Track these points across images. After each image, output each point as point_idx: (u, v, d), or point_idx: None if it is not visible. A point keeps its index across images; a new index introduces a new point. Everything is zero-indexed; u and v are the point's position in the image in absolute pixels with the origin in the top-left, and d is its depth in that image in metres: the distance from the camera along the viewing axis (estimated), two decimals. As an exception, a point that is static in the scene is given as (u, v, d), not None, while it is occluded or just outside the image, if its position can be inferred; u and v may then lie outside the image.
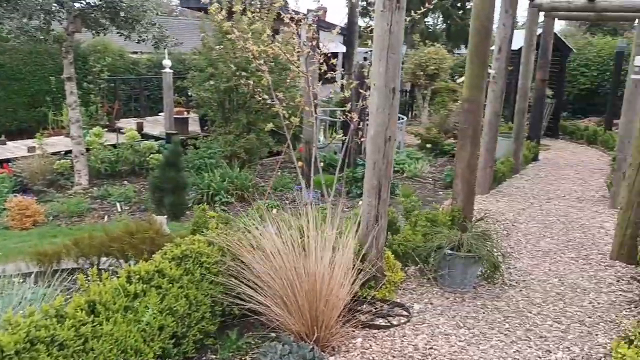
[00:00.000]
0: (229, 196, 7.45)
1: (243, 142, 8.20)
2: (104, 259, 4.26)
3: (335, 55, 15.53)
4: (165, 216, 6.15)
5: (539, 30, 10.47)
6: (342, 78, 12.22)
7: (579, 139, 13.20)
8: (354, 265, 3.74)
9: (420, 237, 4.54)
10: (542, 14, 9.38)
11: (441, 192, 8.04)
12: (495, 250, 4.35)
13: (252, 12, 6.27)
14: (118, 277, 2.97)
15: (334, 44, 13.90)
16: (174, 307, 3.01)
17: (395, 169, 9.61)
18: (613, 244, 5.04)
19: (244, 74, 7.27)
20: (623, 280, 4.52)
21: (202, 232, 3.89)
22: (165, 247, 3.40)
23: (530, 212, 6.68)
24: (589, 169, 9.86)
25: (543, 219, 6.38)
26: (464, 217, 5.57)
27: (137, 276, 3.00)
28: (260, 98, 4.72)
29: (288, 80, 8.17)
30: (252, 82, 4.87)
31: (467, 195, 5.58)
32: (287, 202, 7.62)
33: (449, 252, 4.20)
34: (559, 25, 21.12)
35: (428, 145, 11.39)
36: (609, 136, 12.09)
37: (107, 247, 4.12)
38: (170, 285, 3.08)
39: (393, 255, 4.30)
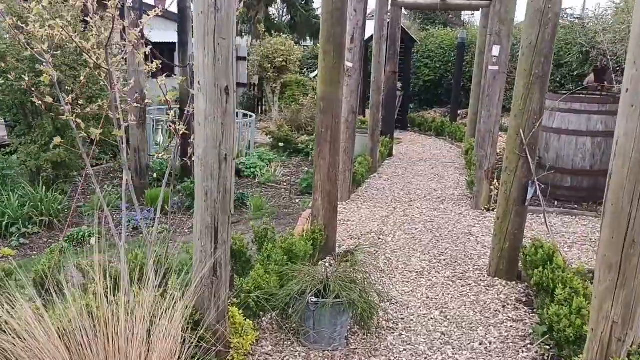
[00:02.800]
0: (31, 225, 5.78)
1: (50, 155, 6.50)
2: None
3: (172, 45, 13.86)
4: None
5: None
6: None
7: (427, 131, 13.24)
8: (184, 338, 2.62)
9: (276, 278, 3.51)
10: (389, 1, 8.89)
11: (298, 200, 7.13)
12: (368, 288, 3.47)
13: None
14: None
15: (164, 33, 12.35)
16: None
17: (246, 173, 8.54)
18: (490, 257, 4.48)
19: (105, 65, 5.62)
20: (509, 305, 3.93)
21: None
22: None
23: (395, 220, 6.02)
24: (442, 163, 9.67)
25: (410, 228, 5.75)
26: (326, 238, 4.67)
27: None
28: (39, 101, 3.28)
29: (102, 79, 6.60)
30: (27, 79, 3.45)
31: (328, 212, 4.69)
32: (112, 225, 6.13)
33: (313, 300, 3.22)
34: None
35: (281, 144, 10.47)
36: (456, 127, 12.21)
37: None
38: None
39: (241, 312, 3.21)
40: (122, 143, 3.09)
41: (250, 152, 9.50)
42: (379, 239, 5.38)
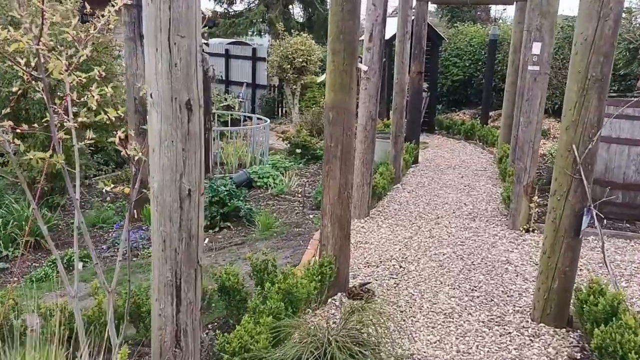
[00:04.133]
0: (12, 248, 5.24)
1: (41, 164, 5.95)
2: None
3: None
4: None
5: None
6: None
7: (455, 134, 12.41)
8: None
9: (267, 336, 2.82)
10: (415, -4, 8.14)
11: (312, 215, 6.44)
12: (382, 350, 2.76)
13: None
14: None
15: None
16: None
17: (259, 183, 7.90)
18: (534, 298, 3.71)
19: (35, 73, 5.09)
20: (560, 363, 3.17)
21: None
22: None
23: (419, 242, 5.28)
24: (472, 171, 8.87)
25: (436, 253, 5.00)
26: (337, 271, 3.98)
27: None
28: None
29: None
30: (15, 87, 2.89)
31: (339, 240, 3.99)
32: (107, 246, 5.56)
33: (311, 371, 2.52)
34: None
35: (298, 150, 9.79)
36: (487, 131, 11.36)
37: None
38: None
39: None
40: (65, 171, 2.44)
41: (264, 160, 8.86)
42: (401, 267, 4.64)
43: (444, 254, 4.95)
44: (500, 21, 18.56)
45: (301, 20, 19.81)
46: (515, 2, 8.78)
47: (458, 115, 14.35)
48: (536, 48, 5.13)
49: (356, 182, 5.99)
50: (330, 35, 3.70)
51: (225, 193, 6.17)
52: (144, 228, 5.92)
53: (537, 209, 5.49)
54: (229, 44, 16.64)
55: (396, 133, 7.71)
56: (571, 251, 3.45)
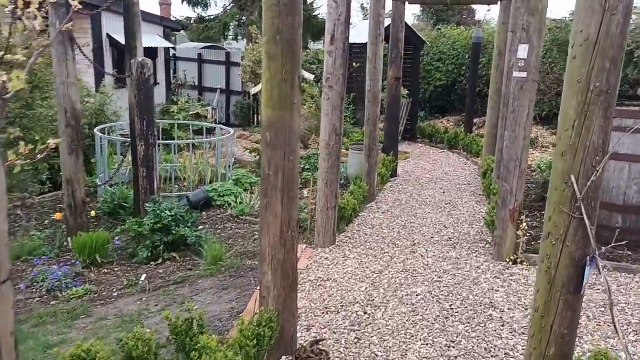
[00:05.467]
0: None
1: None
2: None
3: (153, 51, 12.52)
4: None
5: (387, 21, 8.57)
6: (120, 81, 9.35)
7: (439, 143, 11.72)
8: None
9: None
10: (390, -5, 7.43)
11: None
12: None
13: None
14: None
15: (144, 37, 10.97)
16: None
17: (219, 202, 7.11)
18: (525, 366, 2.95)
19: None
20: None
21: None
22: None
23: (390, 279, 4.52)
24: (455, 185, 8.15)
25: (409, 293, 4.24)
26: (281, 329, 3.20)
27: None
28: None
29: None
30: None
31: (283, 291, 3.21)
32: (25, 285, 4.74)
33: None
34: (408, 20, 19.95)
35: (267, 163, 8.99)
36: (471, 140, 10.67)
37: None
38: None
39: None
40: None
41: (229, 176, 8.07)
42: (366, 313, 3.88)
43: (417, 295, 4.19)
44: (485, 24, 17.92)
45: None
46: (499, 2, 8.09)
47: (441, 122, 13.67)
48: (523, 51, 4.41)
49: (320, 206, 5.23)
50: (265, 35, 2.93)
51: (170, 219, 5.37)
52: (73, 262, 5.11)
53: (524, 237, 4.75)
54: (202, 48, 15.85)
55: (370, 146, 6.96)
56: (571, 310, 2.70)
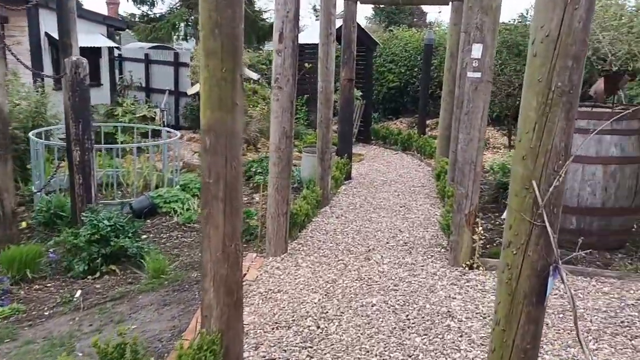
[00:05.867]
0: None
1: None
2: None
3: (96, 50, 11.94)
4: None
5: (339, 22, 8.40)
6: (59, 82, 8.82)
7: (392, 145, 11.65)
8: None
9: None
10: (341, -6, 7.24)
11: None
12: None
13: None
14: None
15: (86, 36, 10.41)
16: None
17: (164, 209, 6.75)
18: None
19: None
20: None
21: None
22: None
23: (344, 288, 4.31)
24: (409, 187, 8.04)
25: (364, 303, 4.03)
26: (225, 351, 2.93)
27: None
28: None
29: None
30: None
31: (227, 309, 2.94)
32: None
33: None
34: (360, 22, 20.13)
35: (217, 167, 8.64)
36: (424, 141, 10.63)
37: None
38: None
39: None
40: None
41: (176, 180, 7.69)
42: (318, 327, 3.64)
43: (373, 305, 3.99)
44: (436, 26, 18.07)
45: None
46: (450, 2, 8.04)
47: (395, 123, 13.65)
48: (476, 51, 4.29)
49: (270, 213, 4.97)
50: (203, 29, 2.66)
51: (109, 229, 5.00)
52: (0, 278, 4.67)
53: (481, 242, 4.64)
54: (150, 48, 15.27)
55: (322, 149, 6.75)
56: (533, 324, 2.55)
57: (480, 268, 4.60)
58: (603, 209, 4.83)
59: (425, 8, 25.62)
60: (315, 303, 4.01)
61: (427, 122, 12.30)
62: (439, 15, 24.04)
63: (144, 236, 5.88)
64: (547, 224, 2.47)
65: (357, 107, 11.59)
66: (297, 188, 7.94)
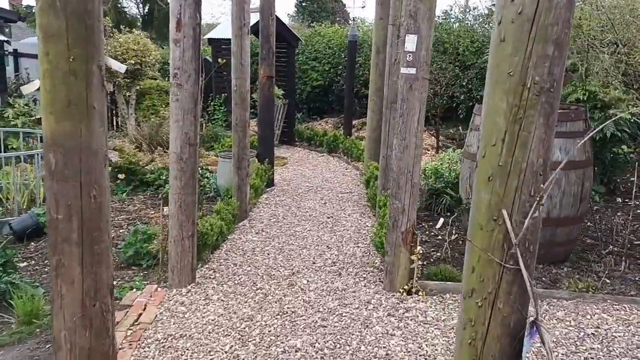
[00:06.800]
0: None
1: None
2: None
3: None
4: None
5: (256, 18, 7.63)
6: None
7: (318, 147, 11.02)
8: None
9: None
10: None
11: (126, 276, 4.49)
12: None
13: None
14: None
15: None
16: None
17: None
18: None
19: None
20: None
21: None
22: None
23: (263, 326, 3.57)
24: (337, 194, 7.42)
25: (287, 347, 3.32)
26: None
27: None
28: None
29: None
30: None
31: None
32: None
33: None
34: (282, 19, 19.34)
35: (121, 176, 7.64)
36: (351, 143, 10.07)
37: None
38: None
39: None
40: None
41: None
42: (228, 387, 2.89)
43: (297, 351, 3.28)
44: (360, 22, 17.69)
45: (143, 16, 17.28)
46: (375, -5, 7.49)
47: (320, 124, 13.04)
48: (410, 43, 3.68)
49: (172, 236, 4.15)
50: (38, 1, 1.84)
51: (-33, 262, 3.98)
52: None
53: (420, 262, 4.06)
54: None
55: (239, 155, 5.96)
56: (505, 399, 1.94)
57: (420, 293, 4.01)
58: (548, 219, 4.39)
59: (348, 7, 25.36)
60: (225, 352, 3.25)
61: (354, 122, 11.78)
62: (362, 11, 23.76)
63: (24, 264, 4.88)
64: (522, 266, 1.87)
65: (279, 107, 10.87)
66: (213, 198, 7.13)
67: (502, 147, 1.79)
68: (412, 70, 3.70)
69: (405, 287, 4.03)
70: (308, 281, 4.37)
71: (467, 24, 11.79)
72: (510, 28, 1.73)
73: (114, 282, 4.45)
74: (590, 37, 6.62)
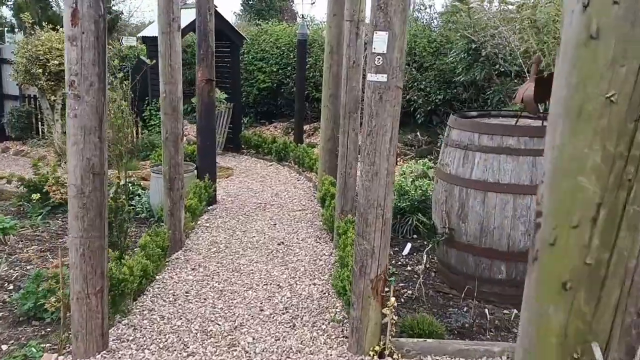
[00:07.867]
0: None
1: None
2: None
3: None
4: None
5: (192, 16, 6.65)
6: None
7: (266, 155, 10.10)
8: None
9: None
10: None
11: (22, 336, 3.46)
12: None
13: None
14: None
15: None
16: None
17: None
18: None
19: None
20: None
21: None
22: None
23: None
24: (288, 212, 6.56)
25: None
26: None
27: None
28: None
29: None
30: None
31: None
32: None
33: None
34: (228, 19, 18.13)
35: (36, 196, 6.51)
36: (302, 151, 9.22)
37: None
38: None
39: None
40: None
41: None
42: None
43: None
44: (309, 20, 16.86)
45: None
46: (328, -12, 6.67)
47: (269, 129, 12.14)
48: (380, 42, 2.86)
49: (74, 292, 3.18)
50: None
51: None
52: None
53: (393, 317, 3.25)
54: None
55: (171, 175, 5.01)
56: None
57: (394, 355, 3.20)
58: (539, 253, 3.68)
59: (296, 2, 24.54)
60: None
61: (305, 127, 10.95)
62: (311, 9, 22.95)
63: None
64: None
65: (223, 113, 9.92)
66: (145, 219, 6.15)
67: (591, 231, 0.98)
68: (383, 78, 2.89)
69: (377, 347, 3.21)
70: (254, 338, 3.49)
71: (423, 22, 11.18)
72: (614, 13, 0.93)
73: (4, 347, 3.45)
74: None
